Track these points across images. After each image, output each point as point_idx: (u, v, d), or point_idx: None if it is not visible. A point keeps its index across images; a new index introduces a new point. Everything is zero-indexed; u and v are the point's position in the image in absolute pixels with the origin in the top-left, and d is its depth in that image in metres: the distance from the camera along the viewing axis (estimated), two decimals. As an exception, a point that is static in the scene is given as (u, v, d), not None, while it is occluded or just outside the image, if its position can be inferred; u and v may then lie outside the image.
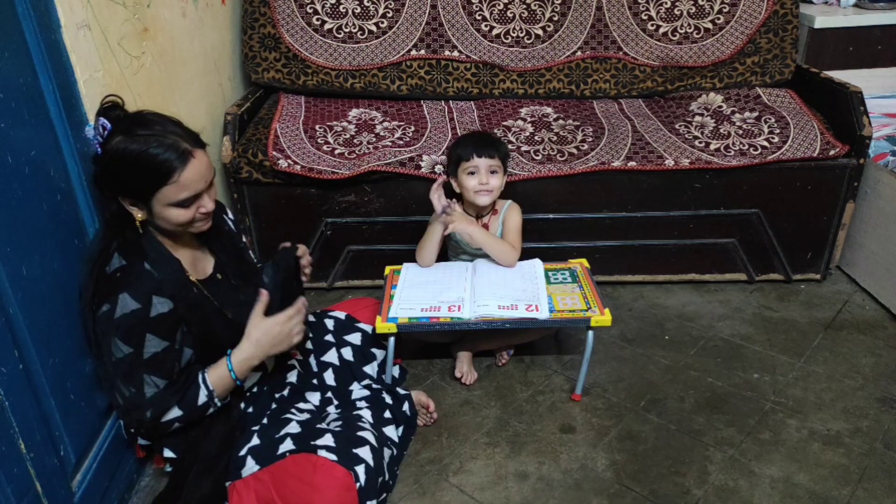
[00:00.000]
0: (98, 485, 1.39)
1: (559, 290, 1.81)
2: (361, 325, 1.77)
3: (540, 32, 2.48)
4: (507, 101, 2.50)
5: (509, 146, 2.11)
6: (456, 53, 2.46)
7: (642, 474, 1.59)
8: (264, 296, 1.44)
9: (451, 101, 2.50)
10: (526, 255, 1.94)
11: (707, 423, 1.73)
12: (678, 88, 2.49)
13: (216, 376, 1.40)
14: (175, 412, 1.37)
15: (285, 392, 1.58)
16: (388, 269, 1.94)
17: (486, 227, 1.89)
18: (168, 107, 1.82)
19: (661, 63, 2.46)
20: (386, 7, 2.44)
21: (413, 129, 2.29)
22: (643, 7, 2.46)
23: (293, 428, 1.43)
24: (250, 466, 1.36)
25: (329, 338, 1.73)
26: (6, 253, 1.15)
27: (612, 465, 1.61)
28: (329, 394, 1.65)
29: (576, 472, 1.60)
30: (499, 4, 2.47)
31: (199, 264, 1.47)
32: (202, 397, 1.38)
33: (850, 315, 2.16)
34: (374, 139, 2.23)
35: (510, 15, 2.47)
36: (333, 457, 1.33)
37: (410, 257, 1.97)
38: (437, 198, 1.81)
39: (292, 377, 1.61)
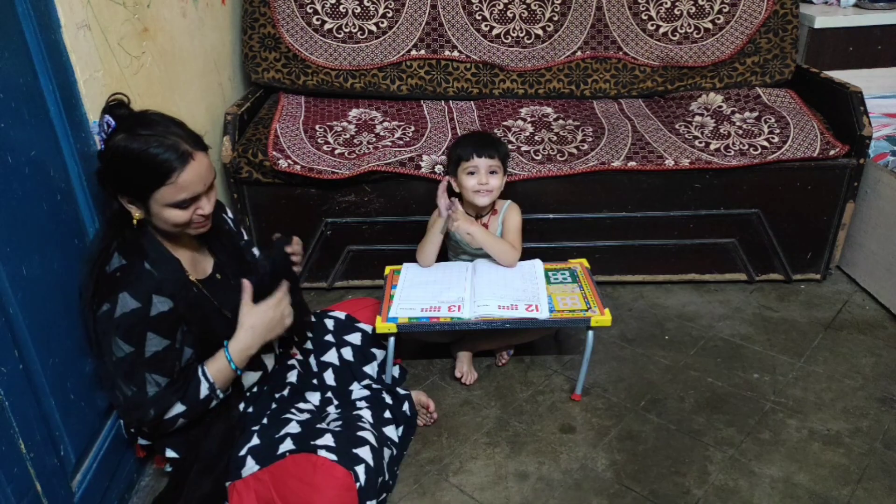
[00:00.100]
0: (98, 485, 1.39)
1: (559, 290, 1.81)
2: (361, 325, 1.77)
3: (540, 32, 2.48)
4: (507, 101, 2.50)
5: (509, 146, 2.11)
6: (456, 53, 2.46)
7: (642, 474, 1.59)
8: (247, 286, 1.44)
9: (451, 101, 2.50)
10: (526, 255, 1.95)
11: (707, 423, 1.73)
12: (678, 88, 2.49)
13: (215, 368, 1.40)
14: (178, 408, 1.37)
15: (285, 392, 1.59)
16: (388, 269, 1.94)
17: (485, 227, 1.89)
18: (168, 107, 1.82)
19: (661, 63, 2.46)
20: (386, 7, 2.44)
21: (413, 129, 2.29)
22: (643, 7, 2.46)
23: (293, 428, 1.43)
24: (250, 466, 1.36)
25: (329, 338, 1.73)
26: (6, 253, 1.15)
27: (612, 465, 1.61)
28: (329, 394, 1.65)
29: (576, 472, 1.60)
30: (499, 4, 2.47)
31: (198, 264, 1.47)
32: (204, 390, 1.38)
33: (850, 315, 2.16)
34: (374, 139, 2.23)
35: (510, 15, 2.47)
36: (333, 457, 1.33)
37: (410, 257, 1.97)
38: (442, 197, 1.81)
39: (292, 377, 1.62)
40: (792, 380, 1.88)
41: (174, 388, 1.35)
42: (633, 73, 2.48)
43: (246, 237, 1.68)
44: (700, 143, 2.18)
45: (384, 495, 1.49)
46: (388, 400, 1.65)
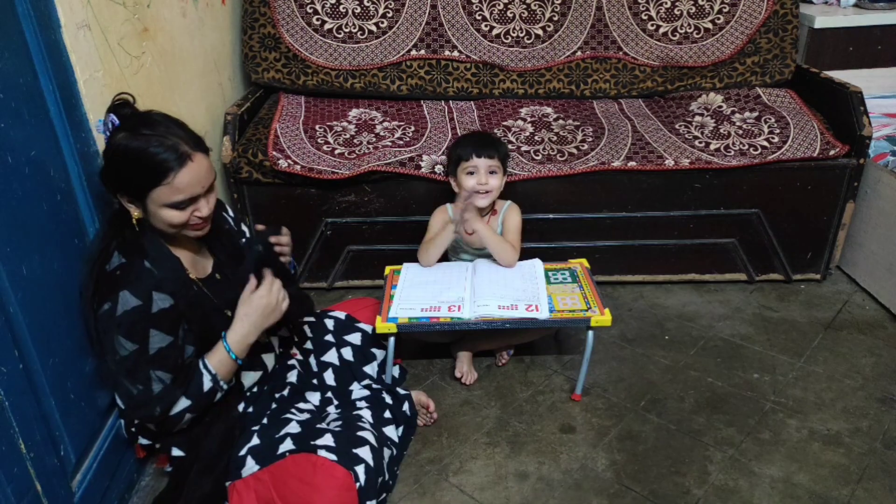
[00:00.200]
0: (98, 485, 1.39)
1: (559, 290, 1.81)
2: (361, 325, 1.77)
3: (540, 32, 2.48)
4: (507, 101, 2.50)
5: (509, 146, 2.11)
6: (456, 53, 2.46)
7: (642, 474, 1.59)
8: (252, 281, 1.43)
9: (451, 101, 2.50)
10: (526, 255, 1.95)
11: (707, 423, 1.73)
12: (678, 88, 2.49)
13: (216, 360, 1.40)
14: (183, 403, 1.37)
15: (285, 392, 1.58)
16: (388, 269, 1.94)
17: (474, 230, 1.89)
18: (168, 107, 1.82)
19: (661, 63, 2.46)
20: (386, 7, 2.44)
21: (413, 129, 2.29)
22: (643, 7, 2.46)
23: (293, 428, 1.43)
24: (250, 466, 1.36)
25: (329, 338, 1.73)
26: (6, 253, 1.15)
27: (612, 465, 1.61)
28: (329, 394, 1.65)
29: (576, 472, 1.60)
30: (499, 4, 2.47)
31: (198, 264, 1.47)
32: (207, 383, 1.38)
33: (850, 315, 2.16)
34: (374, 139, 2.23)
35: (510, 15, 2.47)
36: (333, 457, 1.33)
37: (410, 257, 1.97)
38: (464, 197, 1.81)
39: (292, 377, 1.62)
40: (792, 380, 1.88)
41: (177, 383, 1.35)
42: (633, 73, 2.48)
43: (248, 235, 1.68)
44: (700, 143, 2.19)
45: (384, 495, 1.49)
46: (388, 400, 1.65)
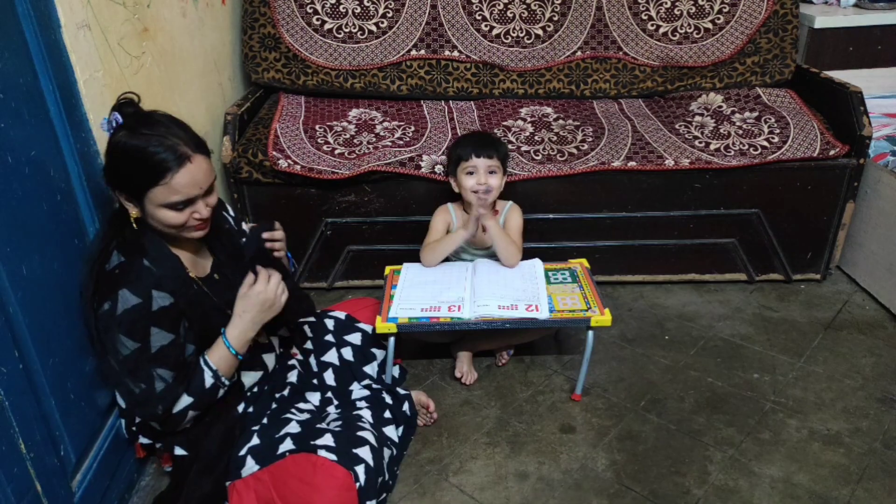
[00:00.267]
0: (98, 485, 1.39)
1: (559, 290, 1.81)
2: (361, 325, 1.77)
3: (540, 32, 2.48)
4: (507, 101, 2.50)
5: (509, 146, 2.11)
6: (456, 53, 2.46)
7: (642, 474, 1.59)
8: (250, 276, 1.42)
9: (451, 101, 2.50)
10: (526, 255, 1.94)
11: (707, 423, 1.73)
12: (678, 88, 2.49)
13: (217, 356, 1.40)
14: (185, 400, 1.37)
15: (285, 392, 1.58)
16: (388, 269, 1.94)
17: (484, 229, 1.89)
18: (168, 107, 1.81)
19: (661, 63, 2.46)
20: (386, 7, 2.44)
21: (413, 129, 2.29)
22: (643, 7, 2.46)
23: (293, 428, 1.43)
24: (250, 466, 1.36)
25: (329, 338, 1.73)
26: (6, 253, 1.15)
27: (612, 465, 1.61)
28: (329, 394, 1.65)
29: (576, 472, 1.60)
30: (499, 4, 2.47)
31: (198, 263, 1.47)
32: (208, 379, 1.38)
33: (850, 315, 2.16)
34: (374, 139, 2.23)
35: (510, 15, 2.47)
36: (333, 457, 1.33)
37: (410, 257, 1.97)
38: (477, 199, 1.80)
39: (292, 377, 1.62)
40: (792, 380, 1.88)
41: (178, 381, 1.35)
42: (633, 73, 2.48)
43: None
44: (700, 143, 2.18)
45: (384, 495, 1.49)
46: (388, 400, 1.65)
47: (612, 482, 1.57)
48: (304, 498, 1.31)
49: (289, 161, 2.08)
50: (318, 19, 2.43)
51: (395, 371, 1.87)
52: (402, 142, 2.21)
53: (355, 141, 2.22)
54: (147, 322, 1.30)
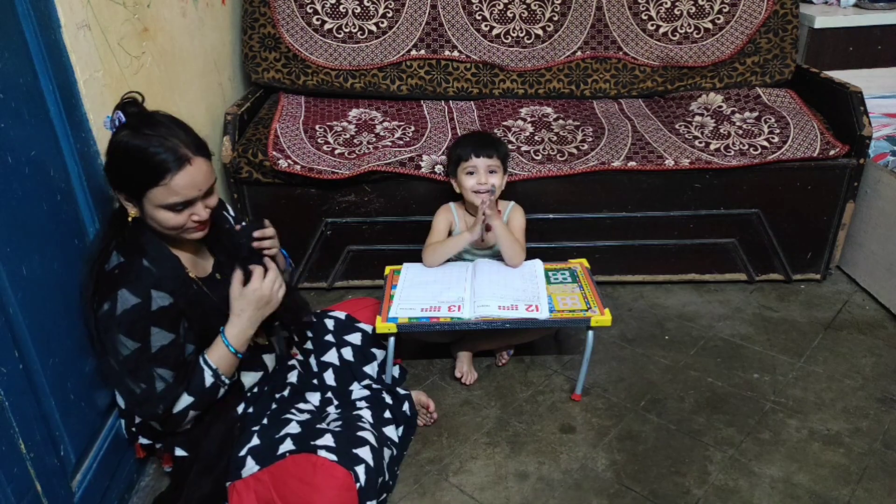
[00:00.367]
0: (98, 485, 1.39)
1: (559, 290, 1.81)
2: (361, 325, 1.77)
3: (540, 32, 2.48)
4: (507, 101, 2.50)
5: (509, 146, 2.11)
6: (456, 53, 2.46)
7: (642, 474, 1.59)
8: (239, 273, 1.42)
9: (451, 101, 2.50)
10: (526, 255, 1.94)
11: (707, 423, 1.73)
12: (678, 88, 2.49)
13: (216, 356, 1.40)
14: (186, 400, 1.37)
15: (285, 392, 1.58)
16: (388, 269, 1.94)
17: (487, 228, 1.89)
18: (168, 107, 1.81)
19: (661, 63, 2.46)
20: (386, 7, 2.44)
21: (413, 129, 2.29)
22: (643, 7, 2.46)
23: (293, 428, 1.43)
24: (250, 467, 1.36)
25: (329, 338, 1.73)
26: (6, 253, 1.15)
27: (612, 465, 1.61)
28: (329, 394, 1.65)
29: (576, 472, 1.60)
30: (499, 4, 2.47)
31: (198, 263, 1.47)
32: (208, 378, 1.38)
33: (850, 315, 2.16)
34: (374, 139, 2.23)
35: (510, 15, 2.47)
36: (333, 457, 1.33)
37: (410, 257, 1.97)
38: (482, 200, 1.79)
39: (292, 377, 1.62)
40: (792, 380, 1.88)
41: (178, 380, 1.35)
42: (633, 73, 2.48)
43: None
44: (700, 143, 2.18)
45: (384, 495, 1.49)
46: (388, 400, 1.65)
47: (612, 482, 1.57)
48: (304, 498, 1.31)
49: (289, 161, 2.08)
50: (318, 19, 2.43)
51: (395, 371, 1.87)
52: (402, 142, 2.21)
53: (355, 141, 2.22)
54: (147, 322, 1.30)
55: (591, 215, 2.20)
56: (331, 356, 1.70)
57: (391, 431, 1.59)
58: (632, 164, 2.12)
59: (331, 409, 1.61)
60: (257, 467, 1.36)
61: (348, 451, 1.36)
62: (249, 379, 1.53)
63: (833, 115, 2.23)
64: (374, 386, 1.68)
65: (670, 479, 1.57)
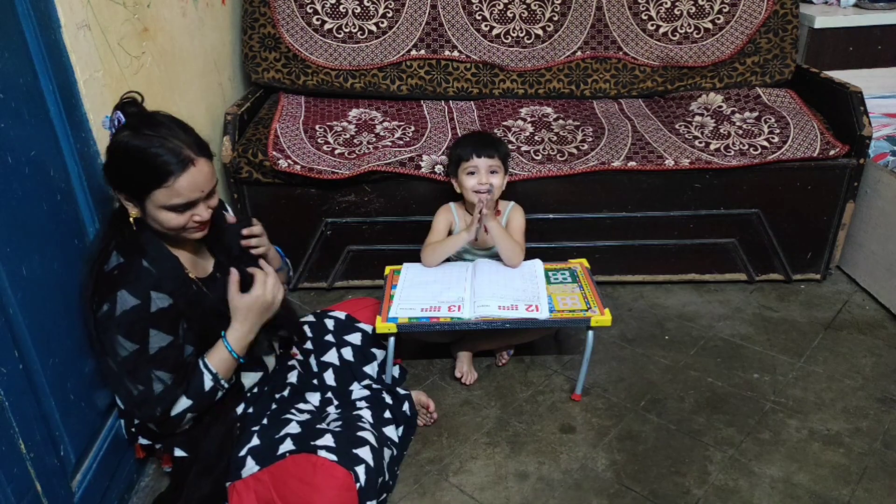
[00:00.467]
0: (98, 485, 1.39)
1: (559, 290, 1.81)
2: (361, 325, 1.77)
3: (540, 32, 2.48)
4: (507, 101, 2.50)
5: (509, 146, 2.11)
6: (456, 53, 2.46)
7: (642, 474, 1.59)
8: (235, 275, 1.42)
9: (451, 101, 2.50)
10: (526, 255, 1.94)
11: (707, 423, 1.73)
12: (678, 88, 2.49)
13: (217, 359, 1.40)
14: (184, 403, 1.36)
15: (285, 392, 1.58)
16: (388, 269, 1.94)
17: (485, 229, 1.89)
18: (168, 107, 1.81)
19: (661, 63, 2.46)
20: (386, 7, 2.44)
21: (413, 129, 2.29)
22: (643, 7, 2.46)
23: (293, 428, 1.43)
24: (250, 467, 1.36)
25: (329, 338, 1.73)
26: (6, 253, 1.15)
27: (612, 465, 1.61)
28: (329, 394, 1.65)
29: (576, 472, 1.60)
30: (499, 4, 2.47)
31: (198, 264, 1.47)
32: (208, 382, 1.38)
33: (850, 315, 2.16)
34: (374, 139, 2.23)
35: (510, 15, 2.47)
36: (333, 457, 1.33)
37: (410, 257, 1.97)
38: (479, 199, 1.79)
39: (292, 377, 1.61)
40: (792, 380, 1.88)
41: (177, 382, 1.35)
42: (633, 73, 2.48)
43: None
44: (700, 143, 2.18)
45: (384, 495, 1.49)
46: (388, 400, 1.65)
47: (612, 482, 1.57)
48: (304, 498, 1.31)
49: (289, 161, 2.08)
50: (318, 19, 2.43)
51: (395, 371, 1.87)
52: (402, 142, 2.21)
53: (355, 141, 2.22)
54: (145, 324, 1.30)
55: (591, 215, 2.20)
56: (331, 356, 1.70)
57: (391, 431, 1.59)
58: (632, 164, 2.12)
59: (331, 409, 1.61)
60: (257, 467, 1.36)
61: (348, 451, 1.36)
62: (249, 379, 1.53)
63: (833, 115, 2.23)
64: (374, 386, 1.68)
65: (670, 479, 1.57)
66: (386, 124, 2.32)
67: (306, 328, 1.73)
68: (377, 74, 2.45)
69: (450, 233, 1.94)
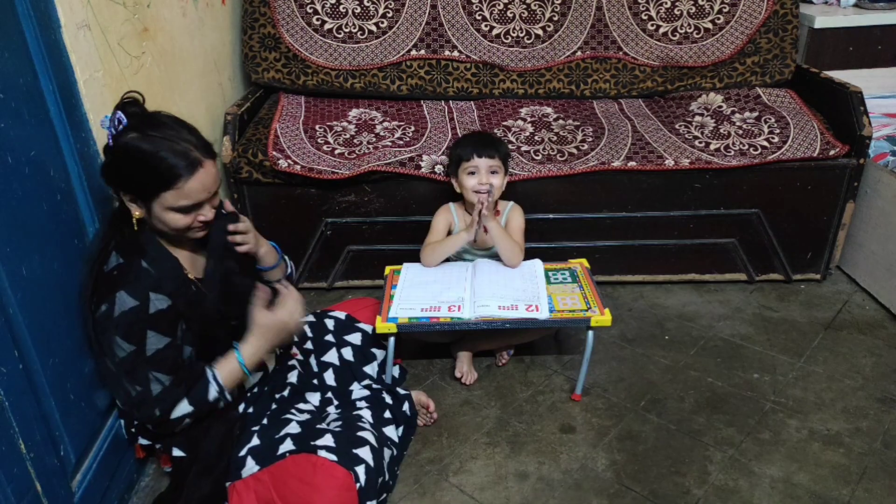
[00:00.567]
0: (98, 485, 1.39)
1: (559, 290, 1.81)
2: (361, 325, 1.77)
3: (540, 32, 2.48)
4: (507, 101, 2.50)
5: (509, 146, 2.11)
6: (456, 53, 2.46)
7: (642, 474, 1.59)
8: (265, 291, 1.43)
9: (451, 101, 2.50)
10: (526, 255, 1.94)
11: (707, 423, 1.73)
12: (678, 88, 2.49)
13: (226, 371, 1.40)
14: (185, 408, 1.36)
15: (285, 392, 1.58)
16: (388, 269, 1.94)
17: (485, 229, 1.89)
18: (168, 107, 1.81)
19: (661, 63, 2.46)
20: (386, 7, 2.44)
21: (413, 129, 2.29)
22: (643, 7, 2.46)
23: (293, 428, 1.43)
24: (250, 467, 1.36)
25: (329, 338, 1.73)
26: (6, 253, 1.15)
27: (612, 465, 1.61)
28: (329, 394, 1.65)
29: (576, 472, 1.60)
30: (499, 4, 2.47)
31: (197, 264, 1.47)
32: (213, 393, 1.38)
33: (850, 315, 2.16)
34: (374, 139, 2.23)
35: (510, 15, 2.47)
36: (333, 457, 1.33)
37: (410, 257, 1.97)
38: (479, 199, 1.79)
39: (292, 377, 1.62)
40: (792, 380, 1.88)
41: (178, 384, 1.35)
42: (633, 73, 2.48)
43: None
44: (700, 143, 2.18)
45: (384, 495, 1.49)
46: (388, 400, 1.65)
47: (612, 482, 1.57)
48: (304, 498, 1.31)
49: (289, 161, 2.08)
50: (318, 19, 2.43)
51: (395, 371, 1.87)
52: (402, 142, 2.21)
53: (355, 141, 2.22)
54: (144, 325, 1.29)
55: (591, 215, 2.20)
56: (331, 356, 1.70)
57: (391, 431, 1.59)
58: (632, 164, 2.12)
59: (331, 409, 1.61)
60: (257, 467, 1.36)
61: (348, 451, 1.36)
62: (250, 379, 1.53)
63: (833, 115, 2.23)
64: (374, 386, 1.68)
65: (670, 479, 1.57)
66: (386, 124, 2.32)
67: (306, 328, 1.73)
68: (377, 74, 2.45)
69: (449, 233, 1.94)
